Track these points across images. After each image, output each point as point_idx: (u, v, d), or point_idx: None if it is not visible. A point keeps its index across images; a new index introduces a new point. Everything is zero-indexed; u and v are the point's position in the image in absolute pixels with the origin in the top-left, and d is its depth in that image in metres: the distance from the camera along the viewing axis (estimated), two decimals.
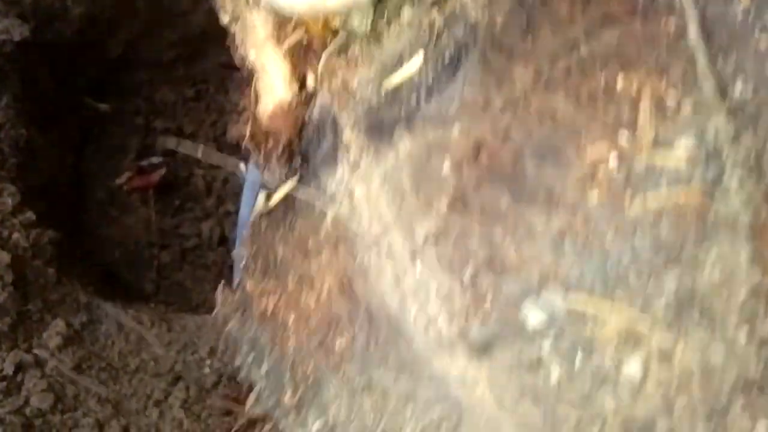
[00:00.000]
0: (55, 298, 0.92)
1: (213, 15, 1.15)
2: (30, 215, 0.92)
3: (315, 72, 0.39)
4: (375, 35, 0.38)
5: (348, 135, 0.39)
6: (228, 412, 0.87)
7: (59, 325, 0.89)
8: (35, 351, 0.87)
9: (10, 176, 0.93)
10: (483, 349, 0.35)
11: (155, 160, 1.14)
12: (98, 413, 0.87)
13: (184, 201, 1.15)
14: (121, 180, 1.12)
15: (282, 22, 0.37)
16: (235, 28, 0.40)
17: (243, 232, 0.43)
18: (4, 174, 0.93)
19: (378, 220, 0.38)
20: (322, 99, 0.40)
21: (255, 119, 0.40)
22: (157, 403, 0.88)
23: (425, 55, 0.38)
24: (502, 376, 0.35)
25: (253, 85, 0.39)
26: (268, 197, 0.41)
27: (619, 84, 0.35)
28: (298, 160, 0.40)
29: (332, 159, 0.39)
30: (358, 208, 0.39)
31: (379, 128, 0.38)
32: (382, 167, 0.38)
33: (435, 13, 0.37)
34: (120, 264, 1.09)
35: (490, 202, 0.36)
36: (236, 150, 1.19)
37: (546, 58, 0.36)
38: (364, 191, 0.38)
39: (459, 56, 0.37)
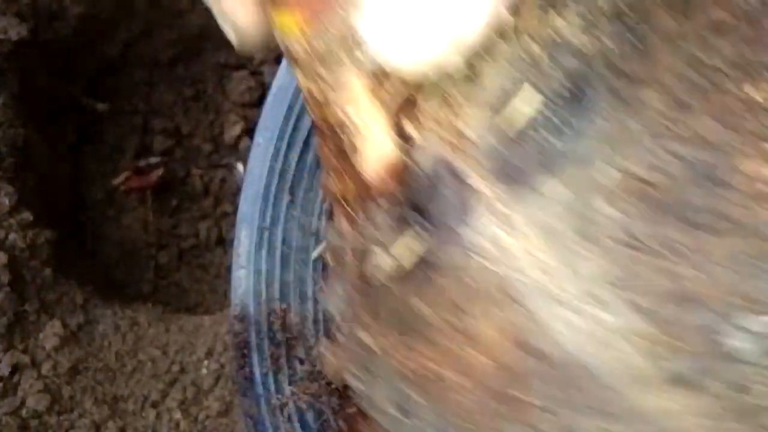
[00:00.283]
0: (52, 298, 0.91)
1: (211, 15, 1.15)
2: (27, 215, 0.92)
3: (416, 120, 0.36)
4: (472, 74, 0.35)
5: (477, 182, 0.36)
6: (224, 413, 0.87)
7: (56, 325, 0.89)
8: (31, 352, 0.87)
9: (7, 176, 0.93)
10: (686, 381, 0.34)
11: (153, 160, 1.13)
12: (95, 414, 0.87)
13: (181, 201, 1.15)
14: (118, 180, 1.12)
15: (380, 75, 0.33)
16: (317, 86, 0.35)
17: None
18: (1, 174, 0.93)
19: (537, 266, 0.36)
20: (430, 147, 0.37)
21: (353, 176, 0.36)
22: (155, 405, 0.88)
23: (536, 89, 0.35)
24: (709, 405, 0.34)
25: (346, 140, 0.35)
26: (383, 251, 0.37)
27: (753, 93, 0.34)
28: (410, 212, 0.36)
29: (461, 207, 0.36)
30: (510, 256, 0.36)
31: (514, 172, 0.36)
32: (528, 212, 0.36)
33: (532, 45, 0.35)
34: (117, 264, 1.09)
35: (658, 233, 0.35)
36: (234, 150, 1.19)
37: (672, 77, 0.35)
38: (513, 238, 0.36)
39: (580, 88, 0.35)
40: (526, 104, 0.35)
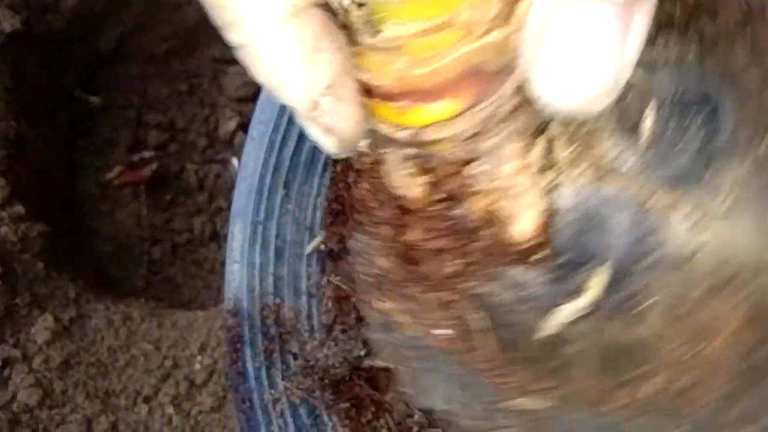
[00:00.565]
0: (44, 292, 0.91)
1: (206, 9, 1.15)
2: (19, 209, 0.91)
3: (556, 168, 0.35)
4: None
5: (647, 196, 0.35)
6: (217, 409, 0.86)
7: (48, 319, 0.88)
8: (23, 346, 0.86)
9: None
10: None
11: (147, 154, 1.13)
12: (86, 409, 0.86)
13: (175, 196, 1.14)
14: (112, 174, 1.11)
15: (528, 134, 0.33)
16: (456, 180, 0.33)
17: None
18: None
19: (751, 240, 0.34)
20: (576, 186, 0.35)
21: (505, 241, 0.35)
22: (147, 400, 0.87)
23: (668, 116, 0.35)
24: None
25: (493, 209, 0.34)
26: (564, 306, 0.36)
27: None
28: (559, 257, 0.36)
29: (640, 225, 0.35)
30: (720, 242, 0.34)
31: (679, 173, 0.35)
32: (712, 201, 0.35)
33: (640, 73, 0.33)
34: (110, 259, 1.08)
35: None
36: (229, 145, 1.18)
37: None
38: (715, 226, 0.35)
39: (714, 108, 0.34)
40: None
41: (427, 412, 0.45)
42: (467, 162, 0.32)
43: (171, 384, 0.88)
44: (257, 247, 0.58)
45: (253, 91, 1.18)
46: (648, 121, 0.35)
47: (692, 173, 0.35)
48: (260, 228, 0.58)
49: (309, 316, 0.56)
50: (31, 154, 1.02)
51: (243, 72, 1.17)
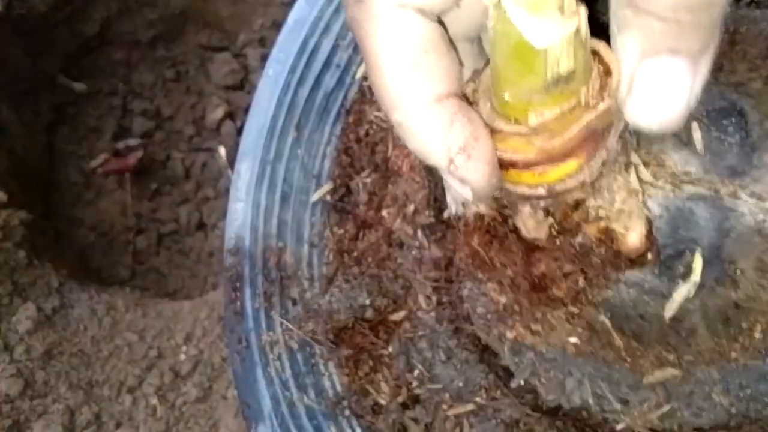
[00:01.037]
0: (26, 281, 0.89)
1: None
2: (0, 195, 0.89)
3: (644, 184, 0.46)
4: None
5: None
6: (203, 399, 0.84)
7: (30, 309, 0.87)
8: (4, 335, 0.84)
9: None
10: None
11: (132, 142, 1.11)
12: (69, 400, 0.84)
13: (161, 185, 1.12)
14: (96, 162, 1.09)
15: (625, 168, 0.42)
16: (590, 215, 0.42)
17: None
18: None
19: None
20: (661, 196, 0.46)
21: (620, 253, 0.44)
22: (131, 390, 0.85)
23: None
24: None
25: (607, 230, 0.43)
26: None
27: None
28: (662, 252, 0.45)
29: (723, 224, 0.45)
30: None
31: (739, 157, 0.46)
32: None
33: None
34: (94, 248, 1.06)
35: None
36: (216, 133, 1.17)
37: None
38: None
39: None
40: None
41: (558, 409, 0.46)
42: (582, 200, 0.40)
43: (155, 374, 0.86)
44: (264, 187, 0.56)
45: (240, 79, 1.16)
46: (697, 134, 0.46)
47: (743, 161, 0.45)
48: (268, 168, 0.56)
49: (309, 265, 0.54)
50: (11, 141, 1.00)
51: (230, 59, 1.17)
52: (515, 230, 0.43)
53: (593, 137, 0.36)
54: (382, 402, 0.47)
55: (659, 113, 0.34)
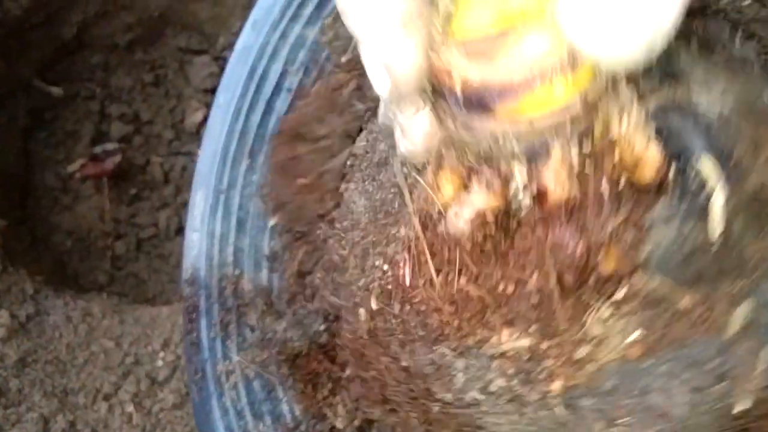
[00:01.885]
0: (0, 288, 0.88)
1: None
2: None
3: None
4: None
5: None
6: (180, 406, 0.83)
7: (3, 316, 0.85)
8: None
9: None
10: None
11: (110, 146, 1.09)
12: (43, 408, 0.83)
13: (140, 189, 1.11)
14: (73, 167, 1.08)
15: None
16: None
17: None
18: None
19: None
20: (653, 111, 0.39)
21: (646, 186, 0.37)
22: (106, 397, 0.84)
23: None
24: None
25: (626, 157, 0.35)
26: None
27: None
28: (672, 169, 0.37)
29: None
30: None
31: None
32: None
33: None
34: (71, 254, 1.05)
35: None
36: (195, 137, 1.15)
37: None
38: None
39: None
40: None
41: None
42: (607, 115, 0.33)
43: (132, 381, 0.85)
44: (218, 215, 0.56)
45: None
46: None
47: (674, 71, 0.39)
48: (222, 197, 0.56)
49: (269, 290, 0.54)
50: None
51: (210, 62, 1.16)
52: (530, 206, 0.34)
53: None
54: (339, 426, 0.46)
55: (616, 41, 0.27)
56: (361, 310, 0.43)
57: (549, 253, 0.34)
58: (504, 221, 0.34)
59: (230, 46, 1.21)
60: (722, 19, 0.43)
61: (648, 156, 0.34)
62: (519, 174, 0.33)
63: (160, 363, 0.87)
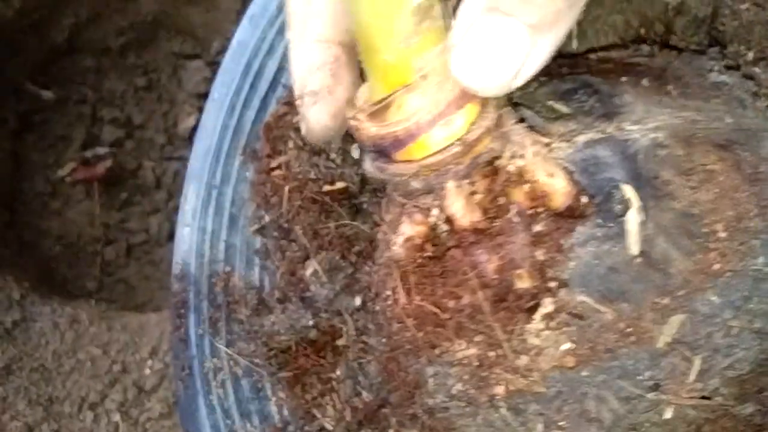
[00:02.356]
0: None
1: (165, 1, 1.11)
2: None
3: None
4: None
5: None
6: (167, 415, 0.82)
7: None
8: None
9: None
10: None
11: (101, 151, 1.08)
12: (28, 417, 0.82)
13: (131, 194, 1.10)
14: (63, 171, 1.07)
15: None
16: None
17: None
18: None
19: None
20: (557, 151, 0.44)
21: (556, 207, 0.42)
22: (92, 406, 0.83)
23: None
24: None
25: (533, 191, 0.41)
26: None
27: None
28: (595, 199, 0.44)
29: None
30: None
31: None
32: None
33: None
34: (60, 259, 1.04)
35: None
36: (188, 142, 1.14)
37: None
38: None
39: None
40: None
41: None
42: (498, 155, 0.39)
43: (119, 390, 0.84)
44: (210, 211, 0.55)
45: None
46: (560, 106, 0.44)
47: (608, 108, 0.44)
48: (215, 192, 0.55)
49: (261, 288, 0.53)
50: None
51: (203, 67, 1.15)
52: (451, 235, 0.40)
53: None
54: (328, 427, 0.45)
55: (484, 72, 0.34)
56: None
57: (469, 271, 0.39)
58: (438, 244, 0.40)
59: (224, 51, 1.20)
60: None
61: (555, 185, 0.39)
62: (432, 205, 0.39)
63: (147, 371, 0.86)
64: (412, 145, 0.37)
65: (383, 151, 0.38)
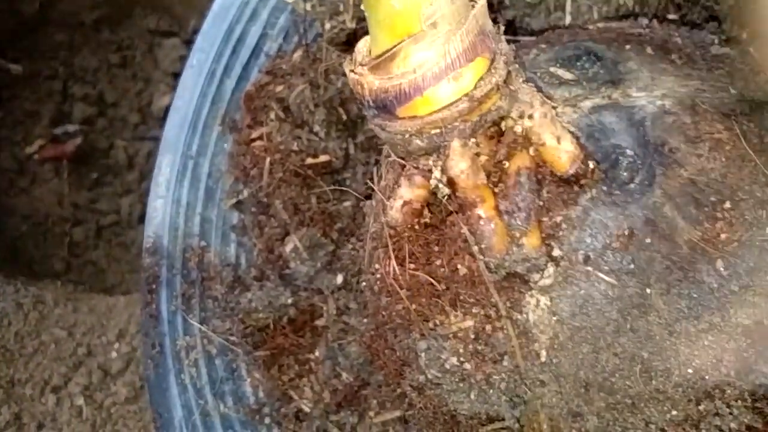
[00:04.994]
0: None
1: None
2: None
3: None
4: None
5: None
6: (133, 400, 0.80)
7: None
8: None
9: None
10: None
11: (71, 128, 1.05)
12: None
13: (102, 174, 1.07)
14: (32, 148, 1.03)
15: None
16: None
17: None
18: None
19: None
20: (563, 117, 0.44)
21: (567, 182, 0.41)
22: (55, 390, 0.80)
23: None
24: None
25: (539, 155, 0.40)
26: None
27: None
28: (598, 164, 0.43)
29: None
30: None
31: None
32: None
33: None
34: (26, 239, 1.00)
35: None
36: (162, 122, 1.12)
37: None
38: None
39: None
40: None
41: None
42: (505, 115, 0.37)
43: (83, 373, 0.81)
44: (185, 183, 0.53)
45: None
46: (563, 72, 0.43)
47: (613, 74, 0.43)
48: (191, 163, 0.53)
49: (237, 265, 0.51)
50: None
51: (180, 45, 1.12)
52: (450, 201, 0.38)
53: (485, 31, 0.35)
54: (306, 409, 0.43)
55: None
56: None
57: (470, 235, 0.37)
58: (436, 209, 0.39)
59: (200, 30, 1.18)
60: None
61: (563, 149, 0.38)
62: (434, 166, 0.38)
63: (114, 355, 0.84)
64: (417, 99, 0.35)
65: (386, 106, 0.36)
